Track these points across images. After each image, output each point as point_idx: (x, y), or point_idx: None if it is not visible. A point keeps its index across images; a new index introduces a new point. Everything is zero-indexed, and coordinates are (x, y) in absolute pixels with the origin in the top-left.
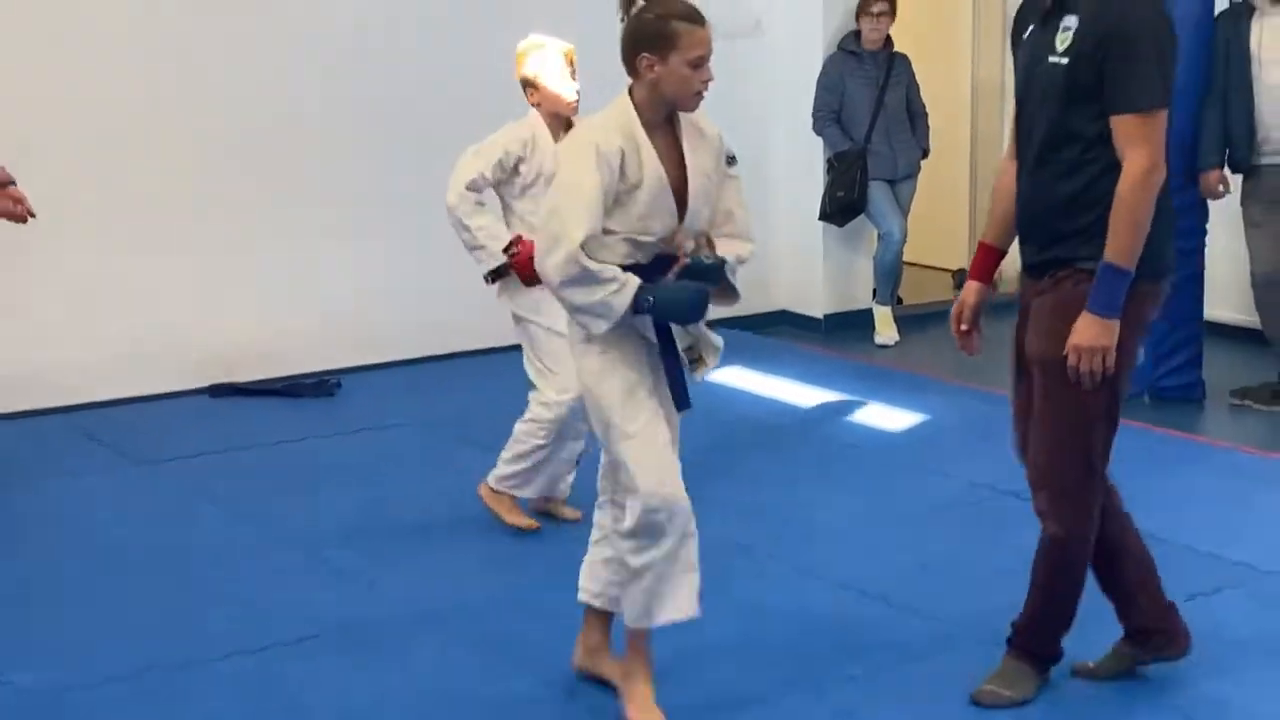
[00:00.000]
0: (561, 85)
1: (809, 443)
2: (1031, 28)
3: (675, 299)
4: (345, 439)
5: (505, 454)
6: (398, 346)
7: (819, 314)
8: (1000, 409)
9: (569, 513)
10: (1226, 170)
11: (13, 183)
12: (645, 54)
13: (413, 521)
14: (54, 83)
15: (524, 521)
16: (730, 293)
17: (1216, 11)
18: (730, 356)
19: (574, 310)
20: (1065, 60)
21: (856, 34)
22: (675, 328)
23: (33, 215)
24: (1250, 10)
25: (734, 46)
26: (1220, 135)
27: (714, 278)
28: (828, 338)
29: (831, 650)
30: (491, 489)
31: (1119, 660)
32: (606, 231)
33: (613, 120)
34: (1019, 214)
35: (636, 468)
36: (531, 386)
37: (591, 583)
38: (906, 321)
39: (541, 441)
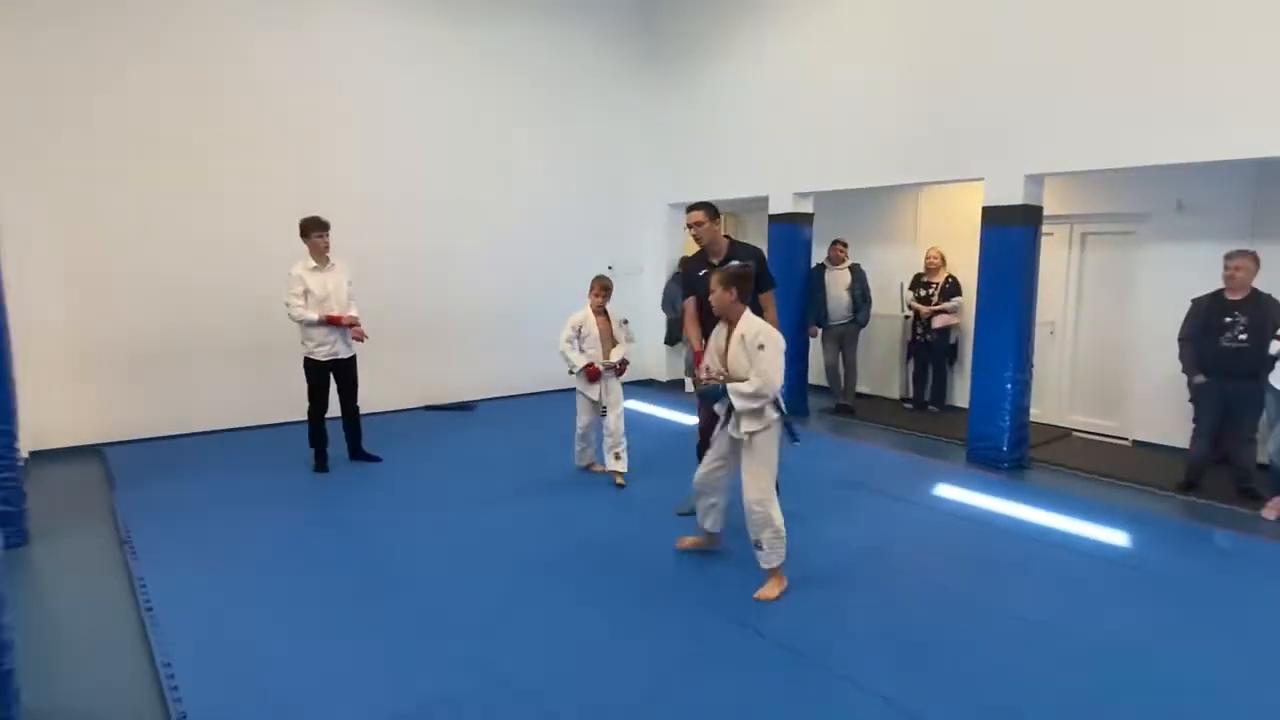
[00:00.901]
0: (591, 296)
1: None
2: (705, 270)
3: (706, 392)
4: (479, 429)
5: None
6: (501, 388)
7: (646, 377)
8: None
9: (604, 469)
10: (816, 326)
11: (357, 323)
12: None
13: (510, 473)
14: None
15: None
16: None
17: (813, 265)
18: (637, 395)
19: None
20: None
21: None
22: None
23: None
24: (824, 268)
25: (633, 277)
26: (813, 314)
27: (715, 393)
28: (665, 389)
29: None
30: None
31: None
32: None
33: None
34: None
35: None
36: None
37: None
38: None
39: (576, 439)
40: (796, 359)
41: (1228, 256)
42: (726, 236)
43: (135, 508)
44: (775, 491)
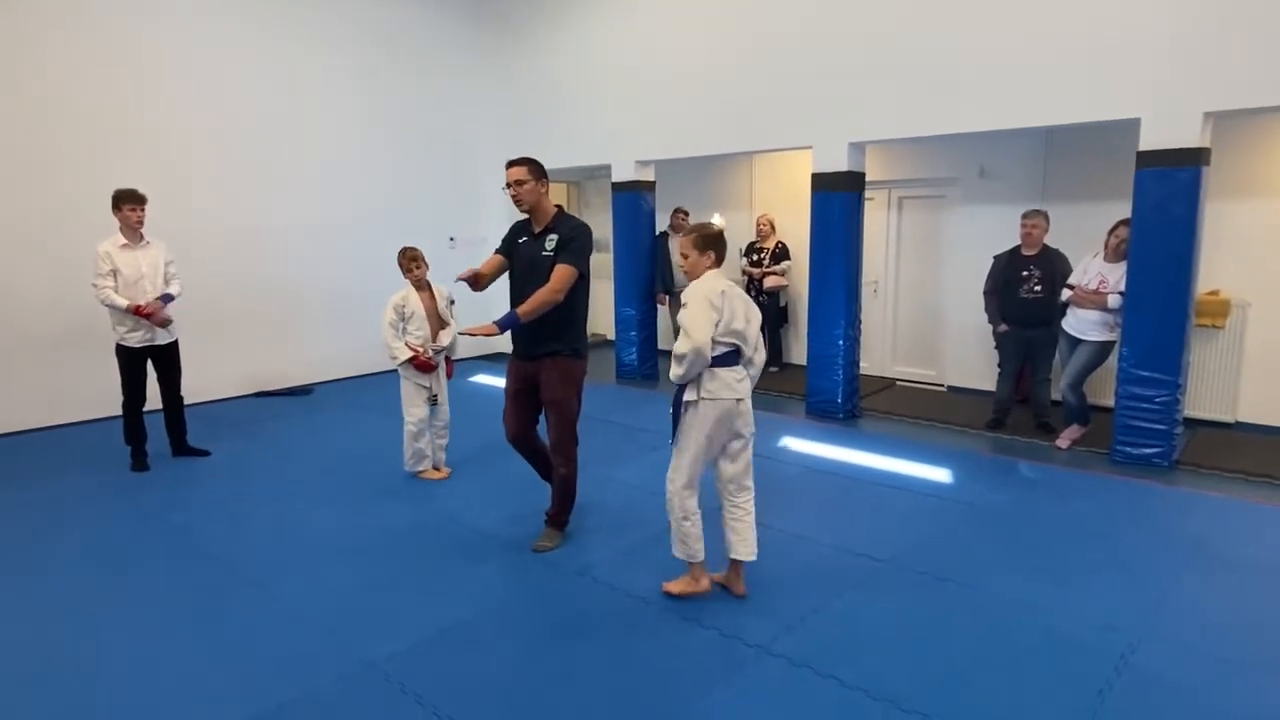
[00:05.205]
0: (409, 271)
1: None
2: (525, 238)
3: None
4: (316, 414)
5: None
6: (343, 368)
7: (494, 351)
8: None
9: (440, 473)
10: (664, 294)
11: (159, 310)
12: (713, 252)
13: (342, 452)
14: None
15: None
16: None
17: (657, 233)
18: (487, 370)
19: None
20: (553, 253)
21: None
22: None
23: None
24: (667, 235)
25: (472, 249)
26: (659, 281)
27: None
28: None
29: None
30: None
31: (553, 537)
32: None
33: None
34: (526, 331)
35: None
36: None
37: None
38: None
39: (409, 441)
40: (644, 325)
41: (1024, 216)
42: (558, 207)
43: None
44: (687, 479)
